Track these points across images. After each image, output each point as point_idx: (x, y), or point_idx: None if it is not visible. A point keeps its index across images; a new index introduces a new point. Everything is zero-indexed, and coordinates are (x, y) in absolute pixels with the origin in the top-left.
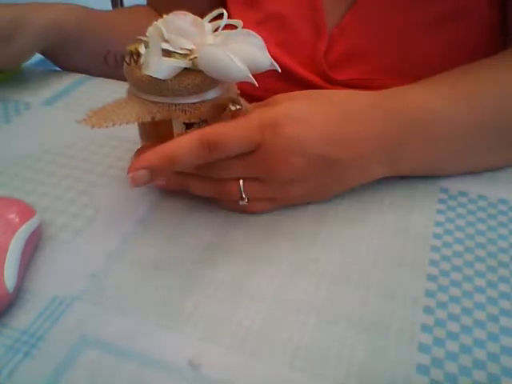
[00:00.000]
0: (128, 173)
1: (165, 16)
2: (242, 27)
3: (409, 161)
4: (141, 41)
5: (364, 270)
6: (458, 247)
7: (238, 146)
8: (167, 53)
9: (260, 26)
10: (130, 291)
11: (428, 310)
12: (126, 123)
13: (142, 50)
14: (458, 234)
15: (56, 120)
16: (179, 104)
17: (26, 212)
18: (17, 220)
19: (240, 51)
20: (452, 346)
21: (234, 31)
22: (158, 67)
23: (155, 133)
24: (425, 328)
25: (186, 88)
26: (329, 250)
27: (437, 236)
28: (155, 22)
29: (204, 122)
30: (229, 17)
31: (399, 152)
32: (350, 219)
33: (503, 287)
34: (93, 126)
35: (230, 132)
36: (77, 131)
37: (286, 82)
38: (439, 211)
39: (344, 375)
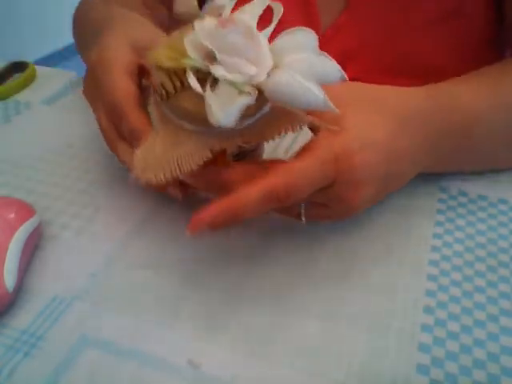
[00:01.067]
0: (188, 228)
1: (198, 24)
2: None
3: (442, 160)
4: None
5: (364, 269)
6: (458, 247)
7: (310, 191)
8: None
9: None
10: (129, 291)
11: (428, 310)
12: (190, 169)
13: (190, 78)
14: (458, 234)
15: (56, 120)
16: (238, 129)
17: (26, 212)
18: (16, 220)
19: (309, 69)
20: (452, 346)
21: (282, 36)
22: (226, 115)
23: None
24: (425, 328)
25: (247, 114)
26: (328, 249)
27: (437, 236)
28: (192, 36)
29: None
30: None
31: (440, 152)
32: (350, 219)
33: (503, 287)
34: (150, 182)
35: (302, 178)
36: (77, 131)
37: None
38: (439, 211)
39: (344, 375)
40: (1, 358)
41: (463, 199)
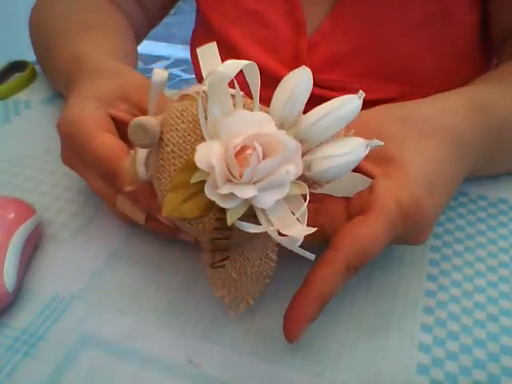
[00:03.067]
0: (288, 336)
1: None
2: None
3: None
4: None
5: (364, 269)
6: (458, 247)
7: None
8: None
9: (237, 24)
10: (129, 290)
11: (428, 310)
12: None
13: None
14: (458, 234)
15: (56, 119)
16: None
17: (26, 211)
18: (16, 219)
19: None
20: (452, 346)
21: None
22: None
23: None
24: (425, 328)
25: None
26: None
27: (437, 236)
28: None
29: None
30: (201, 13)
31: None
32: None
33: (503, 287)
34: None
35: (374, 246)
36: None
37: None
38: None
39: (344, 375)
40: (1, 357)
41: (463, 199)
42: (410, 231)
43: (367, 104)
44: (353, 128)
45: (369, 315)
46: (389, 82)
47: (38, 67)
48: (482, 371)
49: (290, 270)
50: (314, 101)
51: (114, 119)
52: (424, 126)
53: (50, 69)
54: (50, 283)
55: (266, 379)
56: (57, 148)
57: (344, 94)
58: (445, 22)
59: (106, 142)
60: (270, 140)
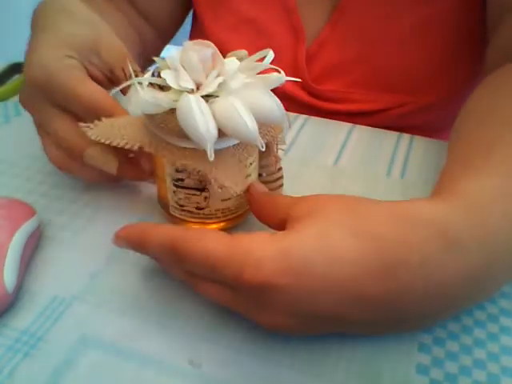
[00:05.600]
0: (113, 239)
1: (186, 43)
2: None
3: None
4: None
5: None
6: None
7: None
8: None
9: (234, 31)
10: (129, 291)
11: None
12: (118, 145)
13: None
14: None
15: None
16: (169, 144)
17: (26, 212)
18: (16, 220)
19: (251, 103)
20: (452, 346)
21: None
22: (134, 105)
23: (155, 169)
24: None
25: (172, 130)
26: None
27: None
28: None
29: (198, 174)
30: (198, 20)
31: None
32: None
33: (503, 287)
34: (90, 137)
35: (203, 258)
36: None
37: None
38: None
39: (344, 375)
40: (1, 358)
41: None
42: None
43: (368, 114)
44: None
45: None
46: (388, 92)
47: None
48: (481, 371)
49: None
50: (312, 112)
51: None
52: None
53: None
54: (50, 284)
55: (266, 379)
56: None
57: (343, 106)
58: (440, 27)
59: (94, 89)
60: None
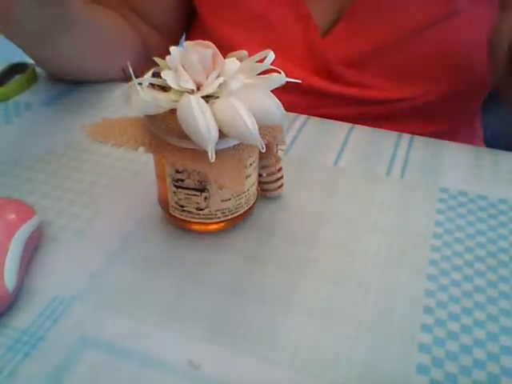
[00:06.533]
0: None
1: (186, 43)
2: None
3: None
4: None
5: (364, 269)
6: (457, 247)
7: None
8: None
9: (240, 27)
10: (129, 291)
11: (428, 310)
12: (118, 146)
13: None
14: (458, 234)
15: (56, 121)
16: (169, 144)
17: (26, 212)
18: (17, 220)
19: (251, 104)
20: (452, 346)
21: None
22: (134, 105)
23: (155, 169)
24: (425, 328)
25: (172, 130)
26: (328, 250)
27: (437, 236)
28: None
29: (199, 174)
30: (201, 17)
31: None
32: (350, 219)
33: (503, 287)
34: (90, 137)
35: None
36: (77, 132)
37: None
38: (439, 211)
39: (344, 375)
40: (1, 358)
41: (463, 199)
42: None
43: (391, 103)
44: None
45: (369, 315)
46: (412, 81)
47: (38, 69)
48: (481, 371)
49: (290, 270)
50: (337, 101)
51: None
52: None
53: None
54: (51, 284)
55: (266, 379)
56: (58, 149)
57: (369, 93)
58: (452, 19)
59: None
60: None
